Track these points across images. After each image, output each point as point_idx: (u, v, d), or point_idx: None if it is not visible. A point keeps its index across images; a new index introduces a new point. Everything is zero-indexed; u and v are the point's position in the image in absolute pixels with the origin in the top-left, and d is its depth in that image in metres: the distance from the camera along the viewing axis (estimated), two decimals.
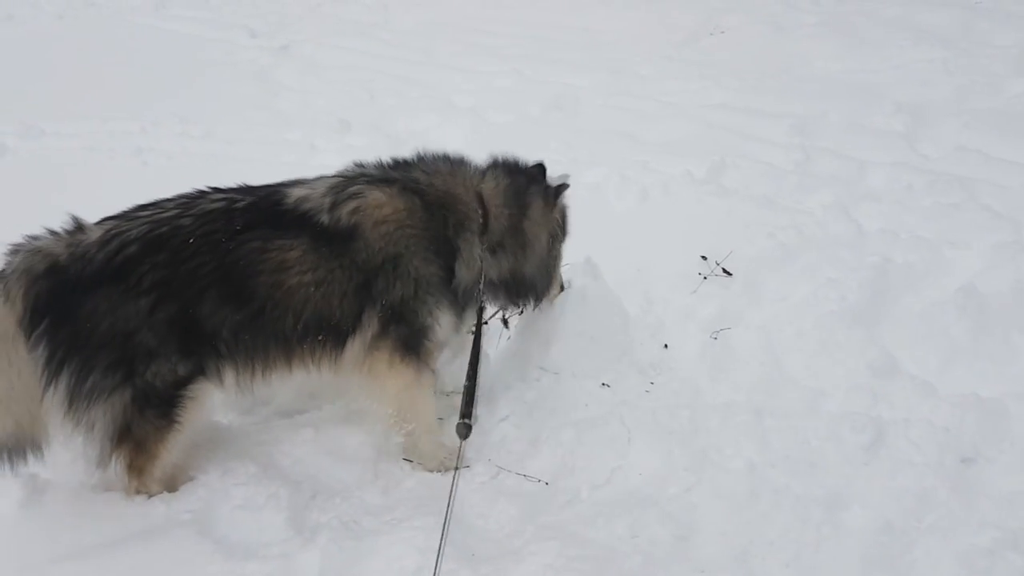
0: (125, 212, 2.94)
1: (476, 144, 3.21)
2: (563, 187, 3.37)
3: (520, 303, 3.46)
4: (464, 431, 3.03)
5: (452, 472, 2.96)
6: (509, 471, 3.18)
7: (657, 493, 3.02)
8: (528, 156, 3.41)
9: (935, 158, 5.24)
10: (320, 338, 3.01)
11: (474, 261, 3.18)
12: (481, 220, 3.18)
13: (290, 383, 3.22)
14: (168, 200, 2.97)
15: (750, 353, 3.59)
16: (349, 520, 2.90)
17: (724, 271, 4.10)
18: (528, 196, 3.31)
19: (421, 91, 6.81)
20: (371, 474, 3.19)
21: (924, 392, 3.30)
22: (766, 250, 4.16)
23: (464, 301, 3.23)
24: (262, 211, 2.95)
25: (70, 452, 3.13)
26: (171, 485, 3.02)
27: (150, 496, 2.97)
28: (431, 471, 3.20)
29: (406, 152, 5.32)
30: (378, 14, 8.67)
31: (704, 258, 4.13)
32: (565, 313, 3.54)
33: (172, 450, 2.95)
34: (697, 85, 6.25)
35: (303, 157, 5.73)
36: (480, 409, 3.33)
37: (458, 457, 3.00)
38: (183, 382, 2.87)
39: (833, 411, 3.26)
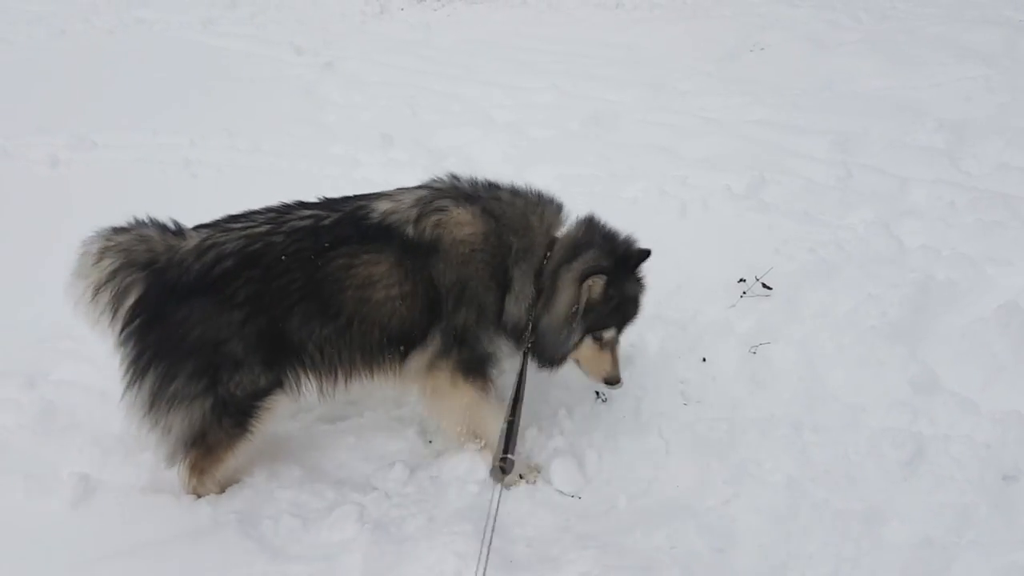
0: (218, 222, 3.05)
1: (515, 159, 3.24)
2: (603, 270, 3.10)
3: (540, 359, 3.27)
4: (508, 466, 2.96)
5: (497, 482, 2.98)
6: (548, 483, 3.21)
7: (695, 505, 3.03)
8: (569, 172, 3.37)
9: (977, 175, 5.19)
10: (402, 348, 3.08)
11: (524, 297, 3.13)
12: (542, 258, 3.13)
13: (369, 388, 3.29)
14: (258, 213, 3.07)
15: (790, 368, 3.58)
16: (390, 524, 2.96)
17: (764, 286, 4.09)
18: (578, 256, 3.14)
19: (462, 106, 6.90)
20: (411, 480, 3.23)
21: (965, 409, 3.26)
22: (807, 265, 4.15)
23: (514, 337, 3.19)
24: (348, 227, 3.01)
25: (120, 454, 3.24)
26: (222, 488, 3.10)
27: (200, 496, 3.05)
28: (508, 486, 3.17)
29: (446, 166, 5.44)
30: (420, 32, 8.81)
31: (742, 280, 4.12)
32: None
33: (238, 456, 3.06)
34: (737, 101, 6.25)
35: (346, 170, 5.83)
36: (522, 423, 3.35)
37: (498, 499, 2.85)
38: (262, 393, 2.97)
39: (873, 426, 3.24)
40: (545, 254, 3.13)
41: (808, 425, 3.28)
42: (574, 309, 3.11)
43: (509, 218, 3.11)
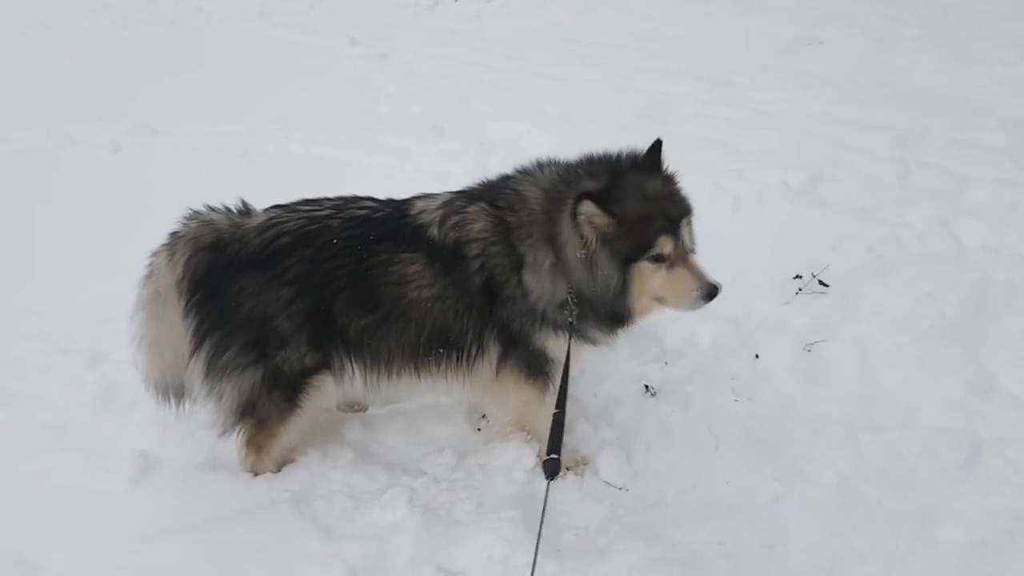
0: (290, 204, 3.11)
1: (565, 151, 3.19)
2: (585, 194, 2.75)
3: (612, 328, 3.05)
4: (555, 467, 2.76)
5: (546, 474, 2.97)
6: (596, 475, 3.22)
7: (744, 501, 3.01)
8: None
9: None
10: (442, 351, 3.05)
11: (539, 266, 2.91)
12: (546, 221, 2.88)
13: (421, 390, 3.24)
14: (328, 199, 3.12)
15: (845, 366, 3.54)
16: (439, 508, 3.00)
17: (820, 283, 4.04)
18: (561, 199, 2.87)
19: (513, 98, 6.91)
20: (459, 466, 3.27)
21: (1023, 411, 3.20)
22: (864, 263, 4.09)
23: (556, 319, 2.97)
24: (391, 223, 3.03)
25: (180, 432, 3.33)
26: (279, 466, 3.17)
27: (257, 474, 3.13)
28: (551, 479, 3.03)
29: (496, 158, 5.46)
30: (473, 24, 8.83)
31: (798, 276, 4.06)
32: None
33: (291, 432, 3.11)
34: (795, 95, 6.16)
35: (399, 161, 5.89)
36: (570, 415, 3.34)
37: (546, 497, 2.73)
38: (309, 371, 3.02)
39: (929, 427, 3.18)
40: (549, 216, 2.87)
41: (862, 424, 3.24)
42: (582, 252, 2.81)
43: (505, 199, 3.00)
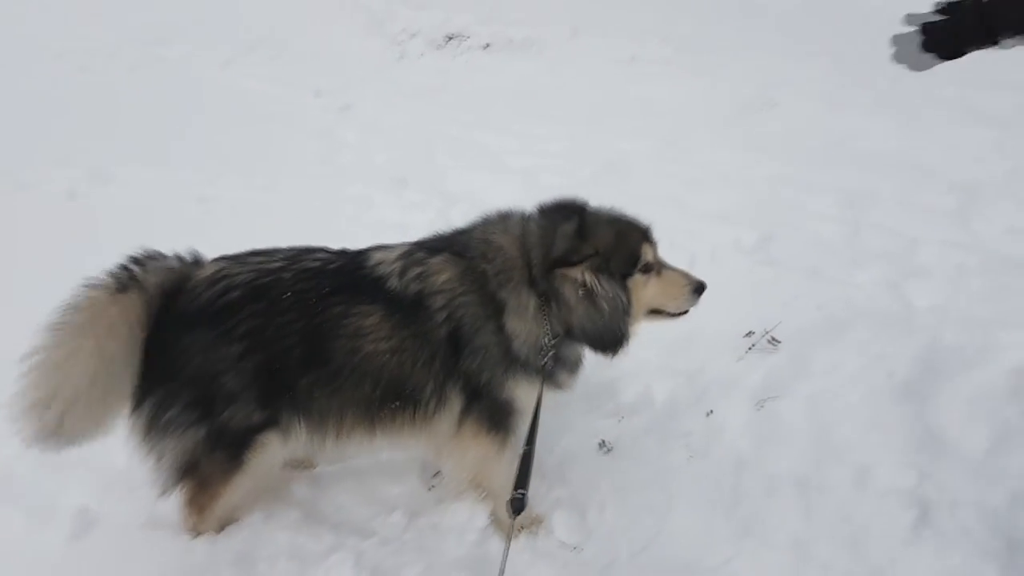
0: (239, 255, 3.06)
1: (527, 205, 3.25)
2: (568, 232, 2.94)
3: (605, 352, 3.12)
4: (519, 505, 2.81)
5: (498, 531, 2.94)
6: (550, 534, 3.18)
7: (697, 562, 2.99)
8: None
9: (987, 238, 5.19)
10: (397, 405, 3.00)
11: (524, 310, 2.97)
12: (527, 266, 2.98)
13: (374, 446, 3.14)
14: (279, 250, 3.07)
15: (797, 424, 3.56)
16: (387, 571, 2.93)
17: (772, 340, 4.09)
18: (560, 234, 2.98)
19: (476, 152, 6.98)
20: (410, 526, 3.21)
21: (973, 473, 3.22)
22: (815, 321, 4.14)
23: (534, 362, 3.00)
24: (347, 275, 3.00)
25: (121, 488, 3.23)
26: (221, 526, 3.08)
27: (199, 535, 3.03)
28: (515, 516, 3.11)
29: (458, 210, 5.49)
30: (438, 78, 8.94)
31: (750, 333, 4.10)
32: None
33: (235, 492, 3.02)
34: (748, 156, 6.30)
35: (361, 211, 5.89)
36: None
37: (510, 531, 2.88)
38: (256, 429, 2.94)
39: (880, 487, 3.20)
40: (528, 261, 2.98)
41: (814, 483, 3.24)
42: (582, 290, 2.95)
43: (475, 248, 3.03)
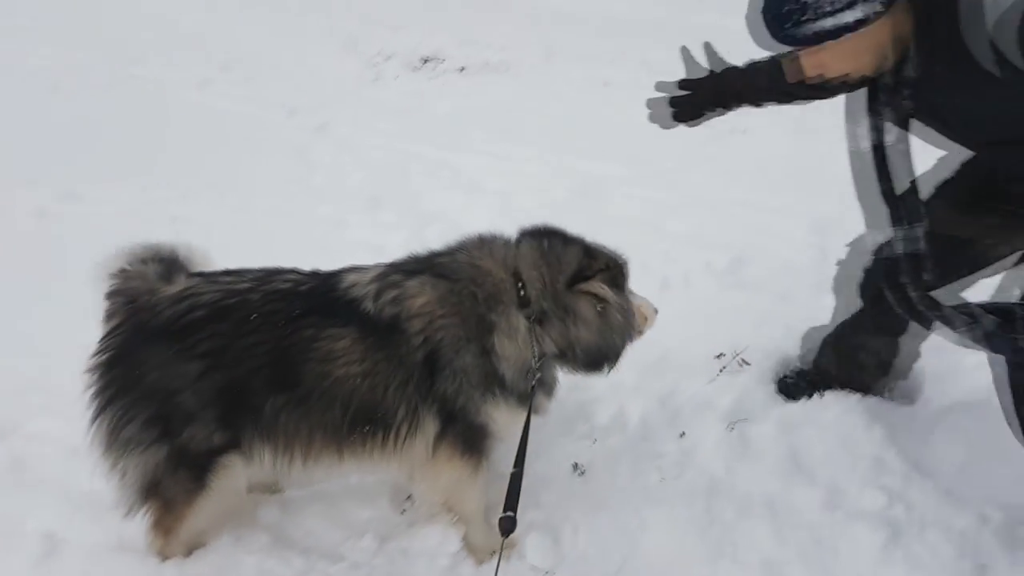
0: (211, 273, 3.04)
1: (502, 226, 3.27)
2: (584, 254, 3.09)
3: (593, 373, 3.22)
4: (510, 525, 2.77)
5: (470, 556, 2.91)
6: (523, 557, 3.17)
7: None
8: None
9: None
10: (368, 429, 2.97)
11: (515, 331, 2.99)
12: (516, 289, 3.01)
13: (342, 470, 3.13)
14: (250, 271, 3.04)
15: (767, 445, 3.59)
16: None
17: (743, 362, 4.13)
18: (567, 254, 3.09)
19: (451, 173, 6.99)
20: (380, 551, 3.18)
21: (942, 495, 3.28)
22: (784, 345, 4.19)
23: (521, 385, 3.03)
24: (318, 297, 2.97)
25: (88, 512, 3.18)
26: (189, 550, 3.04)
27: (166, 559, 2.99)
28: (480, 562, 3.16)
29: (433, 231, 5.50)
30: (414, 100, 8.95)
31: (721, 355, 4.13)
32: None
33: (200, 514, 2.97)
34: (719, 180, 6.37)
35: (334, 231, 5.87)
36: (497, 495, 3.31)
37: (500, 551, 2.84)
38: (218, 450, 2.90)
39: (849, 509, 3.23)
40: (517, 284, 3.01)
41: (784, 505, 3.27)
42: (600, 305, 3.06)
43: (461, 272, 3.02)
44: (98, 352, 2.87)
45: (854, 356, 3.70)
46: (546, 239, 3.12)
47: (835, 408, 3.72)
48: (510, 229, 3.29)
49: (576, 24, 10.06)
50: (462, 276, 3.01)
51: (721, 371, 4.10)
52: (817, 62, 2.59)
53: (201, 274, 3.03)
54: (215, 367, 2.83)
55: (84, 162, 7.19)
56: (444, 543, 3.15)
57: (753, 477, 3.45)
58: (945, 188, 3.07)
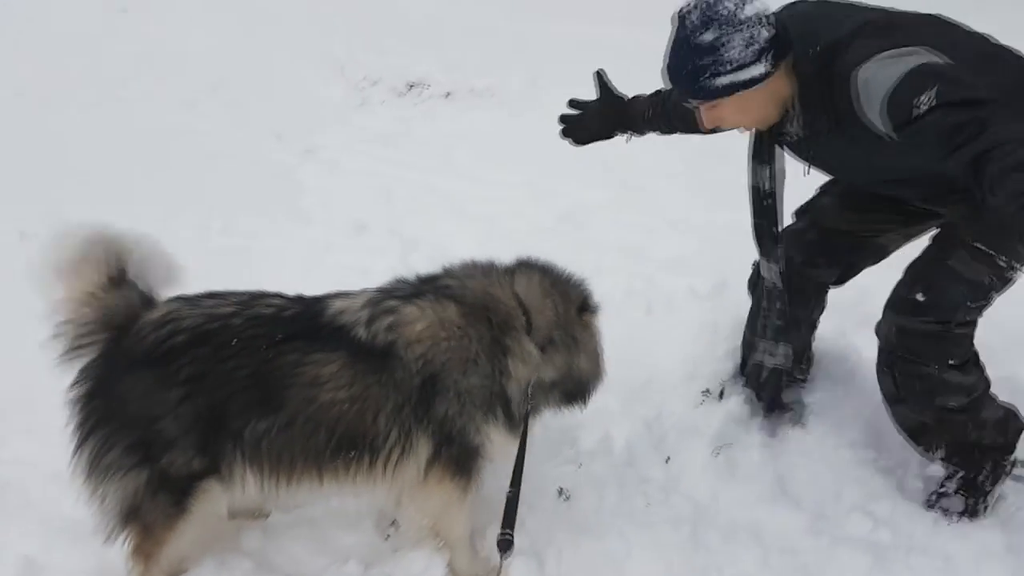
0: (192, 296, 3.02)
1: (488, 250, 3.30)
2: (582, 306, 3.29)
3: (572, 405, 3.33)
4: (507, 544, 2.86)
5: None
6: None
7: None
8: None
9: None
10: (353, 455, 2.96)
11: (529, 356, 3.08)
12: (524, 318, 3.11)
13: (323, 495, 3.15)
14: (234, 293, 3.04)
15: (753, 470, 3.60)
16: None
17: (727, 386, 4.14)
18: (570, 288, 3.26)
19: (437, 197, 7.01)
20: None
21: (925, 519, 3.30)
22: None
23: (519, 408, 3.10)
24: (303, 322, 2.97)
25: (68, 536, 3.14)
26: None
27: None
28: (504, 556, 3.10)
29: (419, 255, 5.50)
30: (400, 125, 8.97)
31: (707, 391, 4.14)
32: None
33: (180, 539, 2.95)
34: (703, 204, 6.40)
35: (319, 254, 5.86)
36: (480, 521, 3.31)
37: (498, 573, 2.89)
38: (198, 475, 2.88)
39: (834, 534, 3.25)
40: (521, 311, 3.11)
41: (770, 530, 3.28)
42: (598, 337, 3.31)
43: (472, 297, 3.07)
44: (78, 382, 2.86)
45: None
46: (545, 270, 3.25)
47: (819, 431, 3.75)
48: (496, 254, 3.34)
49: (562, 50, 10.15)
50: (475, 301, 3.07)
51: (706, 395, 4.10)
52: (715, 116, 2.95)
53: (183, 297, 3.02)
54: (194, 393, 2.82)
55: (67, 182, 7.15)
56: (429, 569, 3.13)
57: (739, 502, 3.46)
58: (831, 186, 3.62)
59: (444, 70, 10.15)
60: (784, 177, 3.37)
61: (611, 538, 3.31)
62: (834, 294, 5.16)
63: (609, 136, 3.77)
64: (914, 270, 3.25)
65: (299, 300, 3.09)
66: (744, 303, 4.03)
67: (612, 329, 3.33)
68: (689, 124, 3.42)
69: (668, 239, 5.94)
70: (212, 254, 5.85)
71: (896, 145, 2.71)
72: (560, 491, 3.59)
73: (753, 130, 3.21)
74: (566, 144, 4.06)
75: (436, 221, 6.46)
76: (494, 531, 3.32)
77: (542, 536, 3.34)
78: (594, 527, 3.38)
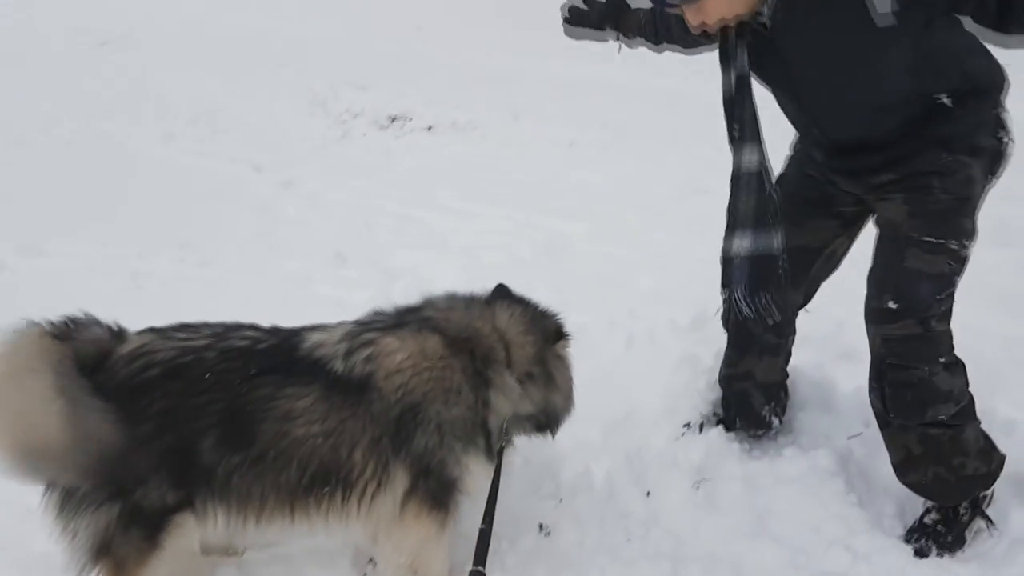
0: (165, 328, 2.99)
1: (468, 283, 3.31)
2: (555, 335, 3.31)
3: (542, 434, 3.38)
4: None
5: None
6: None
7: None
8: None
9: None
10: (327, 490, 2.93)
11: (510, 390, 3.11)
12: (504, 352, 3.13)
13: (295, 532, 3.08)
14: (207, 325, 3.01)
15: (732, 504, 3.59)
16: None
17: (707, 420, 4.14)
18: (546, 322, 3.29)
19: (417, 229, 7.02)
20: None
21: (902, 552, 3.30)
22: None
23: (496, 442, 3.12)
24: (278, 356, 2.94)
25: (41, 573, 3.07)
26: None
27: None
28: None
29: (399, 287, 5.50)
30: (381, 157, 9.01)
31: (687, 425, 4.13)
32: None
33: (153, 575, 2.88)
34: (682, 238, 6.45)
35: (298, 287, 5.85)
36: (460, 557, 3.26)
37: None
38: (171, 509, 2.84)
39: (813, 568, 3.23)
40: (504, 346, 3.13)
41: (749, 565, 3.26)
42: (570, 367, 3.38)
43: (454, 328, 3.08)
44: None
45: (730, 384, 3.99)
46: (524, 304, 3.28)
47: (800, 464, 3.74)
48: (477, 286, 3.35)
49: (543, 88, 10.26)
50: (458, 333, 3.07)
51: (687, 428, 4.10)
52: (699, 11, 2.88)
53: (155, 330, 2.99)
54: (165, 428, 2.78)
55: (47, 216, 7.13)
56: None
57: (719, 536, 3.44)
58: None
59: (426, 104, 10.24)
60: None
61: (592, 573, 3.29)
62: (810, 327, 5.20)
63: (601, 28, 3.67)
64: (877, 280, 3.25)
65: (274, 332, 3.07)
66: (723, 335, 4.04)
67: (593, 361, 3.35)
68: (678, 32, 3.44)
69: (648, 272, 5.97)
70: (191, 287, 5.84)
71: (885, 32, 2.67)
72: (541, 526, 3.56)
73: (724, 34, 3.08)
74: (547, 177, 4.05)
75: (416, 253, 6.47)
76: (471, 567, 3.31)
77: (523, 572, 3.31)
78: (575, 563, 3.35)
